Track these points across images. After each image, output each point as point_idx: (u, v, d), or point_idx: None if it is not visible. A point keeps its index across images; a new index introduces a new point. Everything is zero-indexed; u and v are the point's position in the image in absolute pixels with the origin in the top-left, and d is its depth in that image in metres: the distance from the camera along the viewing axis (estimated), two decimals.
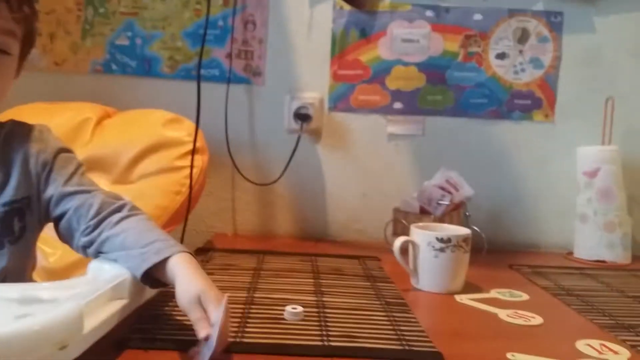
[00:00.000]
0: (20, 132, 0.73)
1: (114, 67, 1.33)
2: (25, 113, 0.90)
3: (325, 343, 0.66)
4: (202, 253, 1.09)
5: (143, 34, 1.33)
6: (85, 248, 0.71)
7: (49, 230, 0.78)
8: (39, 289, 0.64)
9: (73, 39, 1.33)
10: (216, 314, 0.59)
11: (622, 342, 0.71)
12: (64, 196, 0.72)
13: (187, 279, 0.63)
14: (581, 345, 0.69)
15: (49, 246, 0.98)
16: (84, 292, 0.59)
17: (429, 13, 1.33)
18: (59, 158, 0.73)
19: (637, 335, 0.74)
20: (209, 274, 0.92)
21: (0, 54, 0.65)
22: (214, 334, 0.57)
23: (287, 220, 1.36)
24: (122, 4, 1.32)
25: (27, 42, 0.70)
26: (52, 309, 0.51)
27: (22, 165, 0.71)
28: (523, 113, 1.35)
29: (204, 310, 0.61)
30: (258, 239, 1.33)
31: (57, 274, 0.94)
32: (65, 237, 0.73)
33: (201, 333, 0.59)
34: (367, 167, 1.35)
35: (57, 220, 0.73)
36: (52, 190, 0.72)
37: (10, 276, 0.70)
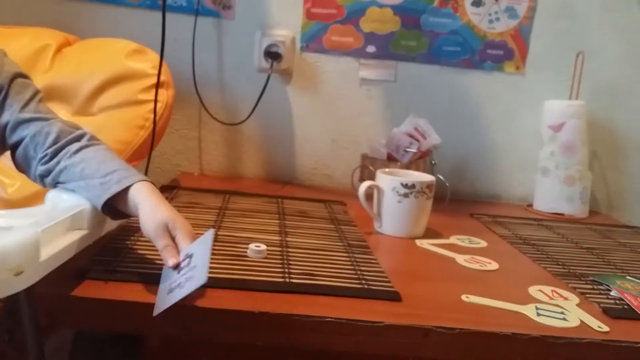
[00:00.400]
0: None
1: None
2: None
3: (287, 280, 0.67)
4: (167, 190, 1.08)
5: None
6: (42, 177, 0.69)
7: (7, 160, 0.75)
8: None
9: None
10: (196, 245, 0.59)
11: (573, 290, 0.74)
12: (20, 123, 0.69)
13: (151, 206, 0.62)
14: (533, 290, 0.72)
15: (7, 177, 0.95)
16: (41, 220, 0.57)
17: None
18: (15, 83, 0.70)
19: (587, 284, 0.77)
20: None
21: None
22: (204, 266, 0.55)
23: (255, 162, 1.35)
24: None
25: None
26: (7, 235, 0.50)
27: None
28: (494, 64, 1.34)
29: (172, 238, 0.61)
30: (224, 179, 1.32)
31: (16, 205, 0.91)
32: (22, 165, 0.71)
33: (169, 261, 0.59)
34: (338, 112, 1.34)
35: (13, 148, 0.70)
36: (8, 116, 0.69)
37: None
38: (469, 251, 0.88)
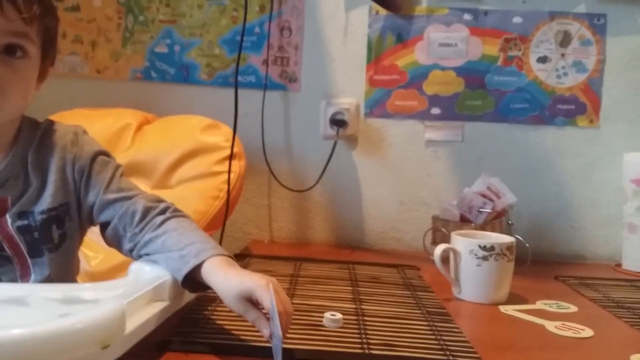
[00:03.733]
0: (55, 133, 0.72)
1: (153, 74, 1.35)
2: (67, 119, 0.92)
3: (366, 351, 0.64)
4: (239, 259, 1.09)
5: (181, 42, 1.34)
6: (131, 251, 0.71)
7: (90, 234, 0.79)
8: (81, 289, 0.64)
9: (114, 46, 1.35)
10: (269, 305, 0.58)
11: None
12: (106, 204, 0.71)
13: (226, 279, 0.62)
14: (637, 359, 0.66)
15: (91, 250, 1.00)
16: (125, 292, 0.58)
17: (466, 16, 1.31)
18: (96, 162, 0.72)
19: None
20: None
21: (14, 57, 0.63)
22: (276, 325, 0.55)
23: (324, 228, 1.35)
24: (161, 12, 1.34)
25: (46, 44, 0.68)
26: (94, 309, 0.51)
27: (58, 172, 0.70)
28: (566, 118, 1.30)
29: (258, 306, 0.59)
30: (294, 245, 1.32)
31: (100, 277, 0.95)
32: (113, 243, 0.73)
33: (264, 332, 0.58)
34: (405, 174, 1.33)
35: (102, 227, 0.73)
36: (93, 197, 0.71)
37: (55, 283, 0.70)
38: (558, 317, 0.82)
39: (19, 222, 0.67)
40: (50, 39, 0.69)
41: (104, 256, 0.98)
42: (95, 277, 0.96)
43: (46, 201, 0.68)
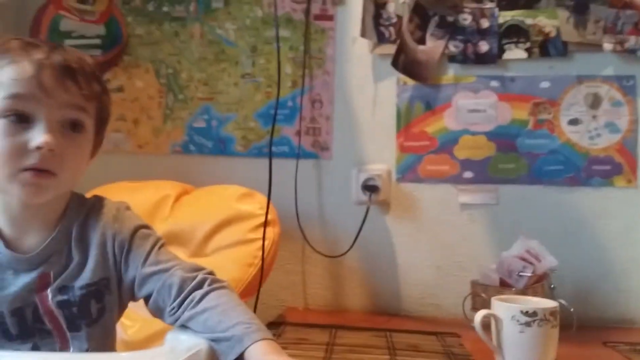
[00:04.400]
0: (101, 210, 0.73)
1: (191, 147, 1.41)
2: (110, 192, 0.96)
3: None
4: (274, 327, 1.08)
5: (218, 117, 1.41)
6: (173, 325, 0.71)
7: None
8: (119, 359, 0.64)
9: (155, 123, 1.43)
10: None
11: None
12: (145, 278, 0.70)
13: None
14: None
15: (127, 319, 1.00)
16: None
17: (494, 83, 1.33)
18: (136, 237, 0.72)
19: None
20: (282, 348, 0.90)
21: (73, 131, 0.65)
22: None
23: (359, 294, 1.33)
24: (199, 90, 1.42)
25: (100, 120, 0.71)
26: None
27: (99, 246, 0.70)
28: (603, 179, 1.28)
29: None
30: (329, 313, 1.30)
31: (136, 346, 0.95)
32: (156, 314, 0.72)
33: None
34: (440, 239, 1.32)
35: (145, 301, 0.73)
36: (133, 272, 0.71)
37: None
38: None
39: (59, 297, 0.67)
40: (105, 117, 0.72)
41: (141, 325, 0.98)
42: (132, 346, 0.96)
43: (87, 276, 0.69)
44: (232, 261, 1.05)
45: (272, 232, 1.10)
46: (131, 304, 0.77)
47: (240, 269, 1.05)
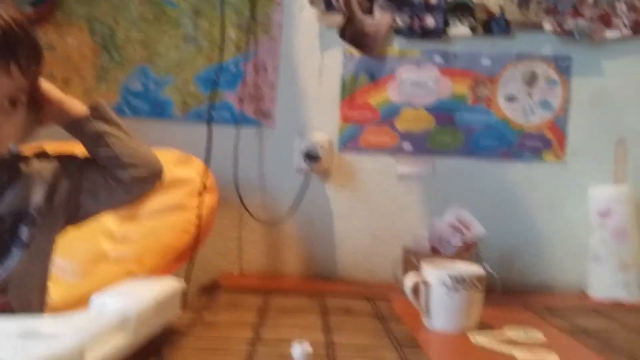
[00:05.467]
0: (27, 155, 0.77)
1: (126, 110, 1.36)
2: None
3: None
4: (208, 291, 1.07)
5: (156, 79, 1.36)
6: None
7: (54, 267, 0.78)
8: (40, 323, 0.62)
9: (87, 83, 1.36)
10: None
11: None
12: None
13: None
14: None
15: (53, 283, 0.97)
16: (86, 326, 0.57)
17: (437, 59, 1.35)
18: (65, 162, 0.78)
19: None
20: (214, 312, 0.91)
21: (10, 107, 0.68)
22: None
23: (295, 260, 1.34)
24: (137, 51, 1.36)
25: (34, 88, 0.73)
26: (53, 343, 0.50)
27: (27, 177, 0.73)
28: (533, 154, 1.34)
29: None
30: (265, 278, 1.31)
31: (61, 310, 0.92)
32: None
33: None
34: (377, 207, 1.34)
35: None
36: (65, 187, 0.76)
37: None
38: (527, 345, 0.82)
39: None
40: (37, 85, 0.74)
41: (67, 289, 0.95)
42: (58, 310, 0.93)
43: (16, 204, 0.71)
44: (167, 227, 1.03)
45: (209, 199, 1.08)
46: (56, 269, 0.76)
47: (175, 235, 1.03)
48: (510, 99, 1.35)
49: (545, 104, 1.34)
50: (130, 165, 0.76)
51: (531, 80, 1.35)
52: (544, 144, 1.34)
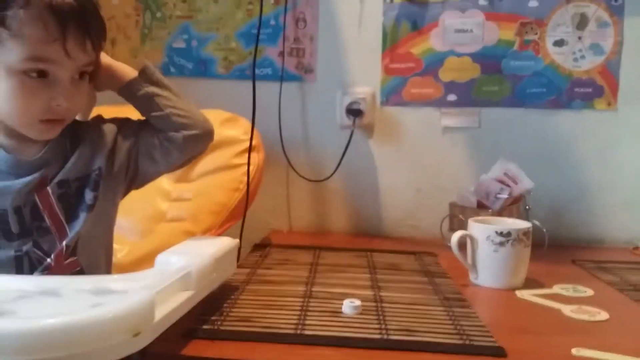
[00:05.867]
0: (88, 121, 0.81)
1: (172, 69, 1.38)
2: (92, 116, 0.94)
3: (385, 337, 0.67)
4: (260, 249, 1.12)
5: (198, 36, 1.37)
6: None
7: (116, 228, 0.83)
8: (111, 281, 0.67)
9: (133, 43, 1.38)
10: None
11: None
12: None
13: None
14: None
15: (117, 243, 1.03)
16: (153, 283, 0.61)
17: (482, 1, 1.30)
18: (123, 125, 0.82)
19: None
20: (267, 268, 0.95)
21: (80, 78, 0.71)
22: None
23: (342, 217, 1.37)
24: (177, 7, 1.36)
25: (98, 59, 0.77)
26: (124, 299, 0.54)
27: (90, 142, 0.77)
28: (584, 102, 1.30)
29: None
30: (313, 235, 1.34)
31: (125, 269, 0.97)
32: (153, 157, 0.81)
33: None
34: (422, 162, 1.34)
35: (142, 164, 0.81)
36: (125, 151, 0.79)
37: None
38: (574, 301, 0.83)
39: (59, 191, 0.73)
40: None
41: (130, 248, 1.01)
42: (121, 269, 0.98)
43: (81, 169, 0.75)
44: (217, 186, 1.07)
45: (256, 157, 1.11)
46: (121, 230, 0.80)
47: (226, 193, 1.06)
48: (559, 43, 1.29)
49: (596, 48, 1.29)
50: (181, 125, 0.79)
51: (581, 22, 1.29)
52: (594, 90, 1.29)
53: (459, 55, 1.32)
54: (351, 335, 0.67)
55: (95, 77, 0.77)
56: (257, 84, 1.17)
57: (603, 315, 0.76)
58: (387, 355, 0.62)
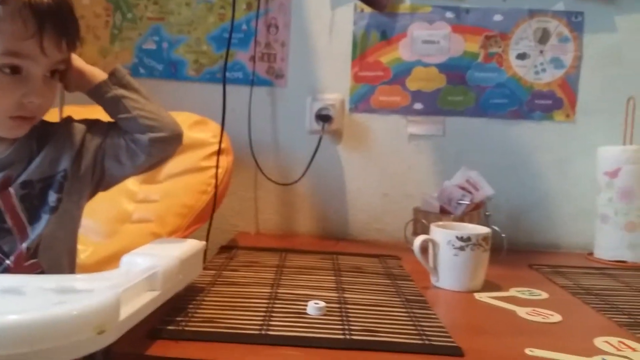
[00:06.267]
0: (55, 121, 0.80)
1: (141, 70, 1.37)
2: (57, 116, 0.94)
3: (347, 337, 0.68)
4: (226, 251, 1.12)
5: (169, 38, 1.37)
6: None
7: (80, 228, 0.82)
8: (74, 280, 0.67)
9: (102, 43, 1.37)
10: None
11: None
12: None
13: None
14: (599, 342, 0.70)
15: (80, 244, 1.02)
16: (118, 283, 0.62)
17: (449, 14, 1.34)
18: (92, 126, 0.81)
19: None
20: (233, 270, 0.95)
21: (52, 77, 0.72)
22: None
23: (309, 220, 1.38)
24: (149, 9, 1.36)
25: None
26: (89, 297, 0.54)
27: (56, 143, 0.76)
28: (544, 113, 1.35)
29: None
30: (280, 237, 1.35)
31: (89, 269, 0.96)
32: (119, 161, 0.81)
33: None
34: (388, 168, 1.37)
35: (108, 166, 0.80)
36: (92, 153, 0.79)
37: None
38: (529, 303, 0.86)
39: (21, 192, 0.72)
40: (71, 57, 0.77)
41: (93, 249, 1.00)
42: (86, 269, 0.97)
43: (45, 170, 0.74)
44: (184, 188, 1.07)
45: (225, 160, 1.12)
46: (84, 230, 0.79)
47: (193, 196, 1.07)
48: (522, 56, 1.35)
49: (557, 62, 1.34)
50: (148, 127, 0.79)
51: (543, 37, 1.34)
52: (554, 102, 1.35)
53: (426, 65, 1.35)
54: (315, 335, 0.68)
55: (66, 78, 0.77)
56: (228, 87, 1.18)
57: (556, 318, 0.80)
58: (349, 354, 0.64)
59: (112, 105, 0.79)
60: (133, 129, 0.79)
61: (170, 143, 0.82)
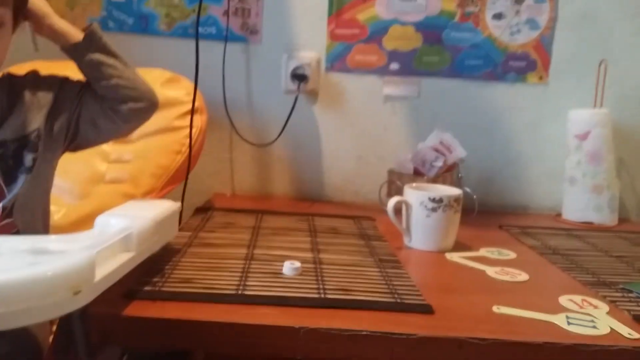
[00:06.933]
0: (22, 75, 0.78)
1: (110, 24, 1.32)
2: (25, 71, 0.90)
3: (322, 295, 0.70)
4: (202, 212, 1.12)
5: None
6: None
7: (53, 189, 0.81)
8: (49, 241, 0.66)
9: None
10: None
11: (603, 298, 0.75)
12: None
13: None
14: (564, 300, 0.74)
15: (54, 204, 1.01)
16: (92, 244, 0.61)
17: None
18: (65, 83, 0.80)
19: (617, 292, 0.78)
20: (209, 232, 0.96)
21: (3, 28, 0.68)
22: None
23: (284, 181, 1.38)
24: None
25: (19, 10, 0.72)
26: (64, 257, 0.54)
27: (27, 102, 0.74)
28: (517, 75, 1.36)
29: None
30: (256, 199, 1.35)
31: (63, 230, 0.96)
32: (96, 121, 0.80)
33: None
34: (363, 129, 1.37)
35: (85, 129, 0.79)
36: (67, 112, 0.77)
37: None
38: (498, 263, 0.89)
39: None
40: (23, 6, 0.73)
41: (67, 210, 0.99)
42: (59, 230, 0.97)
43: (19, 130, 0.73)
44: (158, 148, 1.05)
45: (199, 119, 1.10)
46: (58, 190, 0.78)
47: (168, 156, 1.05)
48: (498, 16, 1.34)
49: (532, 23, 1.34)
50: (128, 97, 0.78)
51: None
52: (528, 64, 1.35)
53: (403, 24, 1.34)
54: (291, 295, 0.70)
55: (31, 21, 0.74)
56: (201, 43, 1.14)
57: (523, 277, 0.83)
58: (324, 312, 0.66)
59: (90, 69, 0.77)
60: (112, 96, 0.77)
61: (147, 111, 0.82)
